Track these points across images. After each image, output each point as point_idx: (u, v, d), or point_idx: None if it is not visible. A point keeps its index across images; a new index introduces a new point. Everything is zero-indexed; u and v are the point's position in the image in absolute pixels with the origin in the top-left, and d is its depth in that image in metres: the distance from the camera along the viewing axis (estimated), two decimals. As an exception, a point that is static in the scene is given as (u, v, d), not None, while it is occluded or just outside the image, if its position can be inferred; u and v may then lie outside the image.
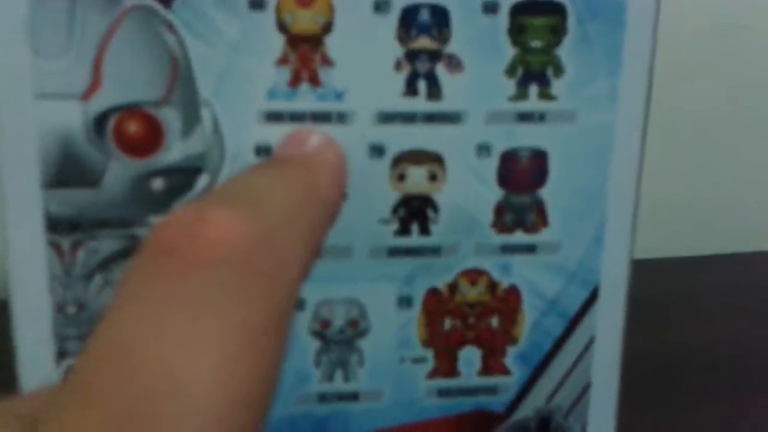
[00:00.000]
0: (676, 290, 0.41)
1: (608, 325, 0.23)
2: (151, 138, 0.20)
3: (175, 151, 0.20)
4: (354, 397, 0.23)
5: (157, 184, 0.20)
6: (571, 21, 0.21)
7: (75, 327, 0.21)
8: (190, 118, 0.20)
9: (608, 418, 0.24)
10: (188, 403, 0.09)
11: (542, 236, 0.22)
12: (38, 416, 0.10)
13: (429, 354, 0.23)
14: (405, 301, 0.22)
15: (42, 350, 0.21)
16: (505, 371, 0.23)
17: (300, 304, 0.22)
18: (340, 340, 0.22)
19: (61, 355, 0.21)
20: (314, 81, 0.20)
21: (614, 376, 0.24)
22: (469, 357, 0.23)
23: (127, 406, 0.09)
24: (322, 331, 0.22)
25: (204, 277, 0.10)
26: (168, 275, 0.10)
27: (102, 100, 0.19)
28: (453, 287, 0.22)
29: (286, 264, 0.12)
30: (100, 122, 0.20)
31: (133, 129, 0.20)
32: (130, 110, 0.20)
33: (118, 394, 0.09)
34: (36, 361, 0.21)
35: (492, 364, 0.23)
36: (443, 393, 0.23)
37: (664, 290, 0.40)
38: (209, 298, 0.10)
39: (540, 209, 0.22)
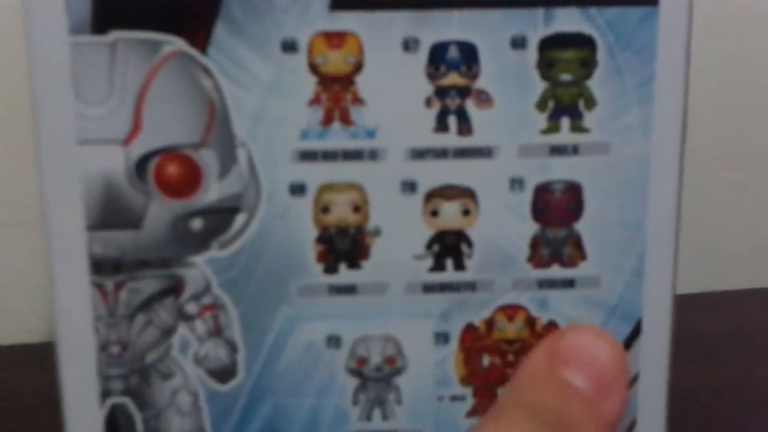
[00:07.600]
0: (724, 326, 0.40)
1: (652, 361, 0.23)
2: (190, 179, 0.20)
3: (213, 191, 0.21)
4: None
5: (196, 224, 0.21)
6: (601, 53, 0.21)
7: (118, 366, 0.21)
8: (227, 159, 0.20)
9: (657, 458, 0.23)
10: None
11: (580, 270, 0.22)
12: None
13: (468, 392, 0.22)
14: (441, 338, 0.22)
15: (87, 389, 0.21)
16: (547, 409, 0.23)
17: (336, 342, 0.22)
18: (378, 378, 0.22)
19: (105, 394, 0.21)
20: (346, 120, 0.21)
21: (660, 416, 0.23)
22: (509, 395, 0.23)
23: None
24: (359, 368, 0.22)
25: None
26: None
27: (142, 144, 0.20)
28: (490, 323, 0.22)
29: None
30: (140, 165, 0.20)
31: (173, 171, 0.20)
32: (170, 153, 0.20)
33: None
34: (81, 399, 0.21)
35: (533, 402, 0.23)
36: (483, 432, 0.23)
37: (711, 325, 0.39)
38: None
39: (577, 243, 0.22)
